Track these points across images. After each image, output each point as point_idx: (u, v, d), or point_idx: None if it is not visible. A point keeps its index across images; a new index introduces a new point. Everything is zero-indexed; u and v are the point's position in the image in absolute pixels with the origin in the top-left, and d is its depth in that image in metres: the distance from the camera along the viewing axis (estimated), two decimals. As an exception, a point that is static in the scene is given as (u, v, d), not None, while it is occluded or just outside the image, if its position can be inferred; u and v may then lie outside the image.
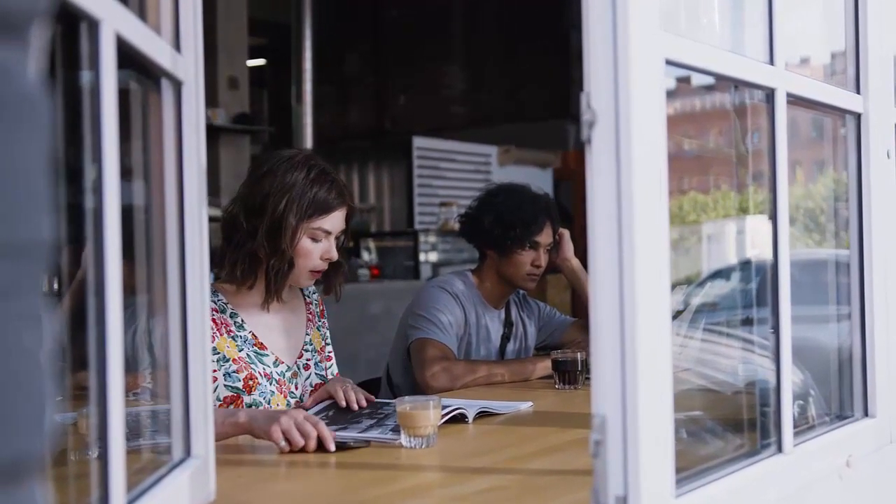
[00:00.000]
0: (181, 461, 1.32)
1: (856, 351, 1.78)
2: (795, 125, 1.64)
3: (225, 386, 2.11)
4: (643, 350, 1.11)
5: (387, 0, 9.50)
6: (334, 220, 2.18)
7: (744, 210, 1.83)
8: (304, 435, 1.79)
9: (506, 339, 2.98)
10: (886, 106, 1.83)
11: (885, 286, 1.78)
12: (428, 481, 1.68)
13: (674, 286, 1.22)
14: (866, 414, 1.76)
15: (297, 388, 2.23)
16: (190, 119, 1.34)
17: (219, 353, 2.11)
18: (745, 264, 1.93)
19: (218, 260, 2.17)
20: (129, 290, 1.05)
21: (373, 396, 2.17)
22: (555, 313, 3.13)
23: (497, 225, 2.85)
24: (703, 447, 1.54)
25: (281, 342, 2.24)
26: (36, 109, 0.64)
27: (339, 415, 2.06)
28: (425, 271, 7.18)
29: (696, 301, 1.92)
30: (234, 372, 2.12)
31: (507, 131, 8.45)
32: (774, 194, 1.48)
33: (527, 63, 8.80)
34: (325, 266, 2.20)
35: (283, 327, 2.25)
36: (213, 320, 2.11)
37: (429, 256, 7.35)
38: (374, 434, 1.92)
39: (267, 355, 2.19)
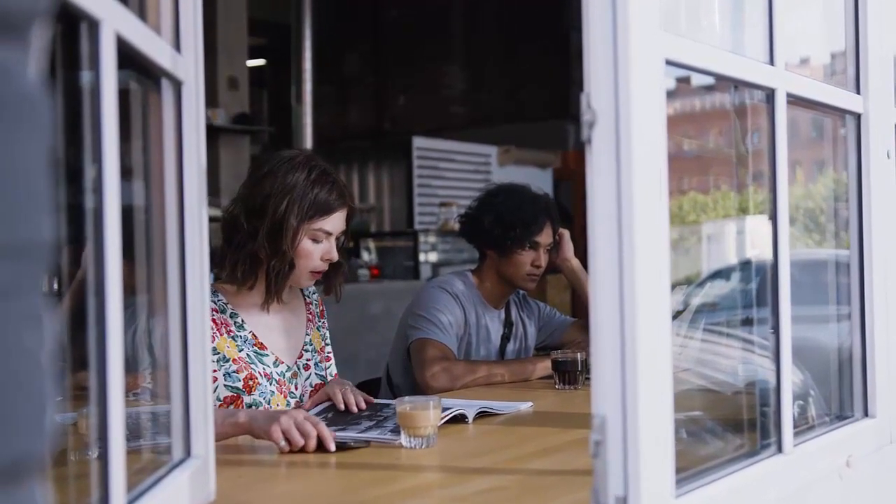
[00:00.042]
0: (181, 461, 1.32)
1: (856, 351, 1.78)
2: (795, 125, 1.64)
3: (225, 386, 2.11)
4: (643, 350, 1.11)
5: (387, 0, 9.50)
6: (335, 221, 2.18)
7: (744, 210, 1.83)
8: (304, 434, 1.79)
9: (506, 339, 2.98)
10: (886, 106, 1.83)
11: (885, 286, 1.78)
12: (428, 481, 1.68)
13: (674, 286, 1.22)
14: (866, 414, 1.76)
15: (297, 389, 2.23)
16: (190, 119, 1.34)
17: (219, 353, 2.11)
18: (745, 264, 1.93)
19: (218, 260, 2.17)
20: (129, 290, 1.05)
21: (371, 398, 2.17)
22: (555, 313, 3.13)
23: (497, 225, 2.85)
24: (703, 447, 1.54)
25: (281, 342, 2.24)
26: (36, 109, 0.64)
27: (339, 417, 2.06)
28: (425, 271, 7.18)
29: (696, 301, 1.92)
30: (234, 372, 2.12)
31: (507, 131, 8.45)
32: (774, 194, 1.48)
33: (527, 63, 8.80)
34: (325, 267, 2.20)
35: (283, 327, 2.26)
36: (213, 320, 2.11)
37: (429, 256, 7.35)
38: (373, 434, 1.92)
39: (267, 355, 2.19)
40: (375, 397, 2.44)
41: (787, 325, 1.47)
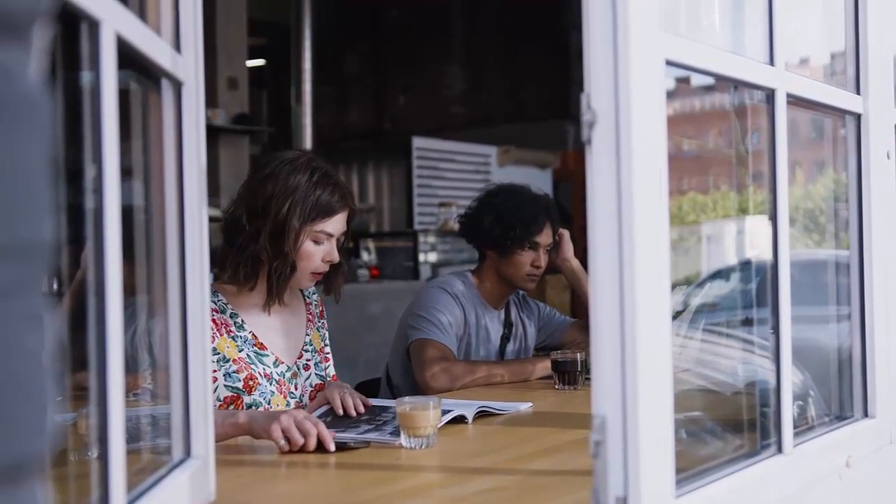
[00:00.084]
0: (181, 461, 1.32)
1: (855, 351, 1.78)
2: (795, 126, 1.64)
3: (225, 386, 2.11)
4: (643, 350, 1.11)
5: (387, 0, 9.50)
6: (337, 223, 2.18)
7: (743, 210, 1.83)
8: (303, 433, 1.79)
9: (505, 339, 2.98)
10: (886, 106, 1.83)
11: (885, 287, 1.78)
12: (428, 482, 1.68)
13: (673, 286, 1.22)
14: (866, 414, 1.77)
15: (296, 389, 2.23)
16: (190, 119, 1.34)
17: (219, 353, 2.11)
18: (744, 265, 1.93)
19: (219, 261, 2.17)
20: (129, 290, 1.05)
21: (369, 400, 2.16)
22: (554, 314, 3.13)
23: (497, 225, 2.85)
24: (703, 447, 1.54)
25: (281, 342, 2.24)
26: (37, 110, 0.64)
27: (338, 420, 2.05)
28: (425, 272, 7.18)
29: (696, 301, 1.92)
30: (234, 372, 2.12)
31: (507, 131, 8.45)
32: (774, 195, 1.48)
33: (527, 63, 8.81)
34: (326, 268, 2.20)
35: (283, 328, 2.26)
36: (213, 321, 2.11)
37: (428, 257, 7.35)
38: (373, 435, 1.92)
39: (267, 356, 2.19)
40: (375, 397, 2.44)
41: (787, 326, 1.47)
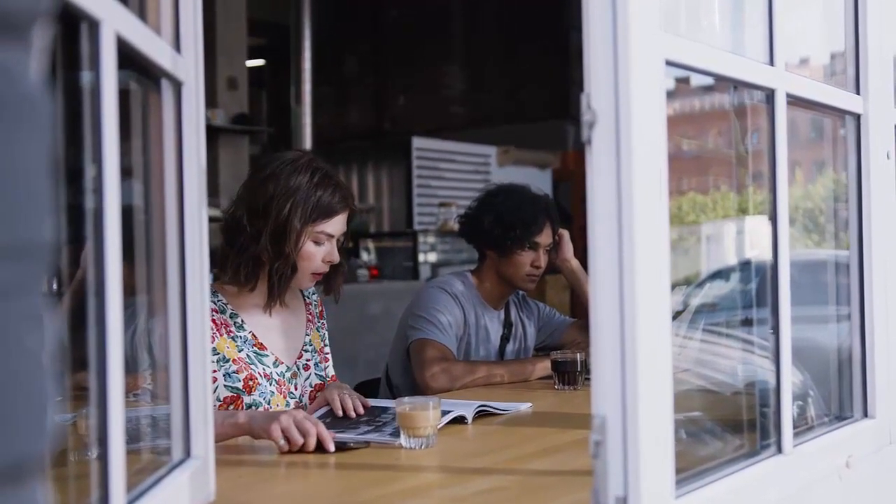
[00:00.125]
0: (181, 462, 1.32)
1: (855, 352, 1.78)
2: (795, 126, 1.64)
3: (225, 386, 2.11)
4: (643, 350, 1.11)
5: (387, 0, 9.50)
6: (337, 224, 2.18)
7: (743, 211, 1.83)
8: (303, 433, 1.79)
9: (505, 339, 2.98)
10: (886, 107, 1.83)
11: (884, 287, 1.78)
12: (428, 482, 1.68)
13: (673, 287, 1.22)
14: (866, 415, 1.77)
15: (296, 389, 2.23)
16: (190, 119, 1.34)
17: (219, 353, 2.11)
18: (744, 265, 1.93)
19: (219, 261, 2.17)
20: (128, 290, 1.05)
21: (369, 401, 2.16)
22: (554, 314, 3.13)
23: (497, 225, 2.85)
24: (702, 448, 1.54)
25: (281, 343, 2.24)
26: (37, 110, 0.64)
27: (337, 422, 2.05)
28: (424, 272, 7.18)
29: (696, 302, 1.92)
30: (233, 372, 2.12)
31: (507, 132, 8.45)
32: (774, 195, 1.48)
33: (527, 63, 8.81)
34: (326, 268, 2.21)
35: (282, 328, 2.26)
36: (213, 321, 2.11)
37: (428, 257, 7.35)
38: (373, 436, 1.92)
39: (267, 356, 2.19)
40: (374, 398, 2.44)
41: (787, 326, 1.47)
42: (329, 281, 2.28)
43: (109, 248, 0.97)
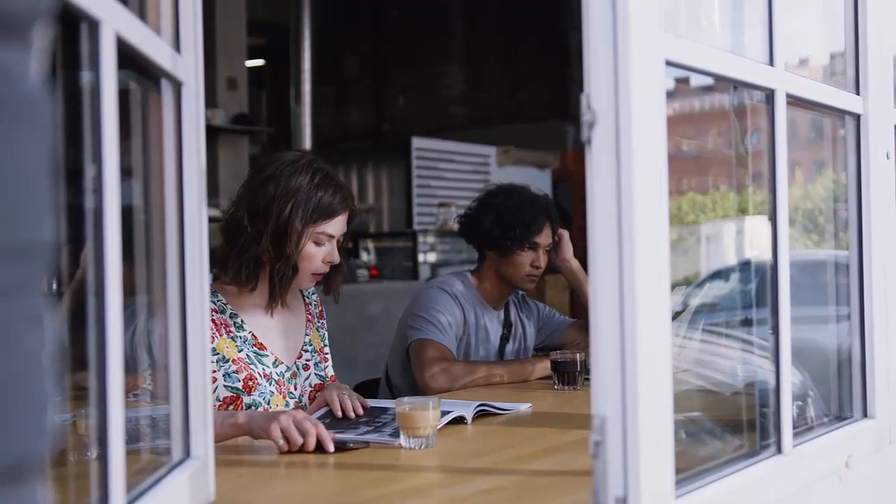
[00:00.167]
0: (180, 462, 1.32)
1: (855, 352, 1.78)
2: (794, 126, 1.64)
3: (224, 386, 2.11)
4: (643, 350, 1.11)
5: (386, 0, 9.50)
6: (338, 225, 2.18)
7: (743, 211, 1.83)
8: (302, 433, 1.79)
9: (505, 339, 2.98)
10: (886, 107, 1.83)
11: (884, 287, 1.78)
12: (427, 482, 1.68)
13: (673, 287, 1.22)
14: (865, 415, 1.77)
15: (296, 389, 2.23)
16: (190, 119, 1.34)
17: (218, 353, 2.11)
18: (744, 265, 1.93)
19: (219, 261, 2.17)
20: (128, 290, 1.05)
21: (368, 402, 2.16)
22: (554, 314, 3.13)
23: (497, 225, 2.85)
24: (702, 448, 1.54)
25: (280, 343, 2.24)
26: (37, 110, 0.64)
27: (337, 422, 2.05)
28: (424, 272, 7.18)
29: (696, 302, 1.92)
30: (233, 372, 2.12)
31: (507, 132, 8.45)
32: (774, 195, 1.48)
33: (526, 63, 8.80)
34: (326, 269, 2.21)
35: (282, 328, 2.26)
36: (213, 321, 2.11)
37: (427, 257, 7.35)
38: (372, 436, 1.92)
39: (266, 356, 2.19)
40: (374, 398, 2.44)
41: (787, 326, 1.47)
42: (329, 281, 2.28)
43: (109, 248, 0.97)
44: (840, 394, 1.82)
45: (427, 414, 1.82)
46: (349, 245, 5.35)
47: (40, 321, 0.63)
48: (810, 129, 1.99)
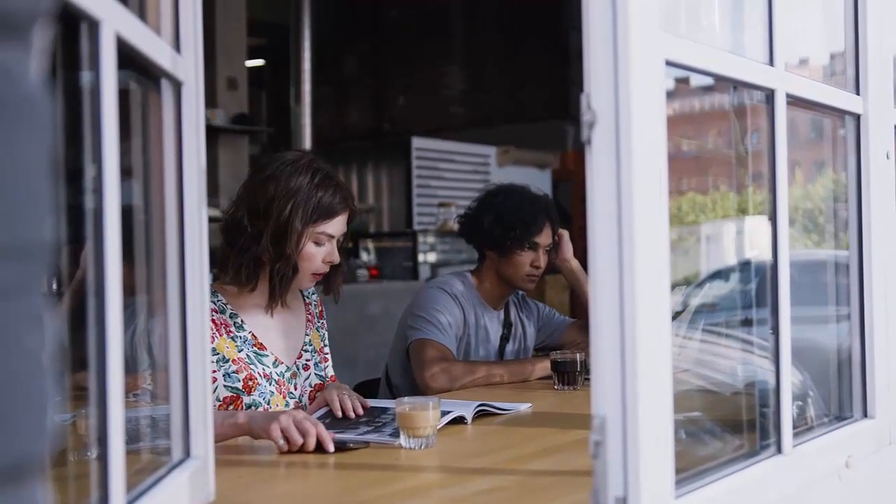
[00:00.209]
0: (180, 462, 1.32)
1: (855, 352, 1.78)
2: (794, 126, 1.64)
3: (224, 386, 2.11)
4: (643, 350, 1.11)
5: (386, 0, 9.50)
6: (338, 225, 2.19)
7: (743, 211, 1.83)
8: (302, 433, 1.79)
9: (505, 339, 2.98)
10: (886, 107, 1.83)
11: (884, 287, 1.78)
12: (427, 482, 1.68)
13: (673, 287, 1.22)
14: (865, 415, 1.77)
15: (296, 389, 2.23)
16: (190, 119, 1.34)
17: (218, 353, 2.11)
18: (744, 265, 1.93)
19: (219, 261, 2.17)
20: (128, 290, 1.05)
21: (368, 402, 2.16)
22: (554, 314, 3.13)
23: (497, 225, 2.85)
24: (702, 448, 1.54)
25: (280, 343, 2.24)
26: (37, 110, 0.64)
27: (337, 422, 2.05)
28: (424, 272, 7.18)
29: (696, 302, 1.92)
30: (233, 372, 2.12)
31: (507, 132, 8.45)
32: (774, 195, 1.48)
33: (526, 63, 8.80)
34: (326, 269, 2.21)
35: (282, 328, 2.26)
36: (213, 321, 2.11)
37: (427, 257, 7.35)
38: (372, 436, 1.92)
39: (266, 356, 2.19)
40: (374, 398, 2.44)
41: (787, 326, 1.47)
42: (329, 281, 2.29)
43: (109, 248, 0.97)
44: (840, 394, 1.82)
45: (427, 414, 1.82)
46: (349, 245, 5.35)
47: (40, 321, 0.63)
48: (810, 129, 1.99)
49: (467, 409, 2.11)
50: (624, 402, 1.10)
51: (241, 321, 2.19)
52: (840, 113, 1.77)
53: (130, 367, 1.30)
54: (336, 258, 2.20)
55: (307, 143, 7.04)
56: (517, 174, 7.01)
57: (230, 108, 7.14)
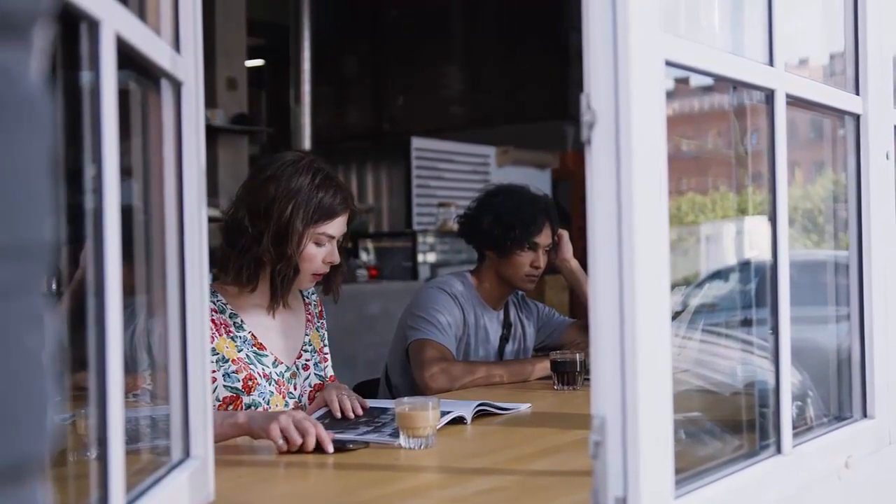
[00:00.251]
0: (180, 462, 1.32)
1: (854, 352, 1.78)
2: (794, 126, 1.64)
3: (224, 386, 2.11)
4: (643, 350, 1.11)
5: (386, 0, 9.50)
6: (338, 225, 2.19)
7: (743, 211, 1.83)
8: (302, 433, 1.79)
9: (504, 339, 2.98)
10: (886, 107, 1.83)
11: (884, 287, 1.78)
12: (427, 482, 1.68)
13: (672, 287, 1.22)
14: (865, 415, 1.77)
15: (295, 389, 2.23)
16: (189, 119, 1.34)
17: (218, 353, 2.11)
18: (743, 265, 1.93)
19: (219, 262, 2.17)
20: (128, 290, 1.05)
21: (367, 402, 2.16)
22: (553, 314, 3.13)
23: (496, 226, 2.85)
24: (702, 448, 1.54)
25: (280, 343, 2.24)
26: (37, 110, 0.64)
27: (336, 423, 2.05)
28: (424, 272, 7.18)
29: (695, 302, 1.92)
30: (233, 372, 2.12)
31: (506, 132, 8.45)
32: (773, 195, 1.48)
33: (526, 63, 8.80)
34: (327, 269, 2.21)
35: (282, 328, 2.26)
36: (213, 321, 2.11)
37: (427, 257, 7.35)
38: (372, 436, 1.92)
39: (266, 356, 2.19)
40: (374, 398, 2.44)
41: (787, 326, 1.47)
42: (328, 281, 2.29)
43: (109, 248, 0.97)
44: (840, 394, 1.82)
45: (427, 414, 1.82)
46: (349, 245, 5.35)
47: (40, 321, 0.63)
48: (810, 129, 1.99)
49: (467, 409, 2.11)
50: (624, 403, 1.10)
51: (241, 321, 2.19)
52: (840, 113, 1.77)
53: (130, 367, 1.30)
54: (336, 258, 2.21)
55: (307, 144, 7.04)
56: (517, 174, 7.02)
57: (230, 109, 7.14)
